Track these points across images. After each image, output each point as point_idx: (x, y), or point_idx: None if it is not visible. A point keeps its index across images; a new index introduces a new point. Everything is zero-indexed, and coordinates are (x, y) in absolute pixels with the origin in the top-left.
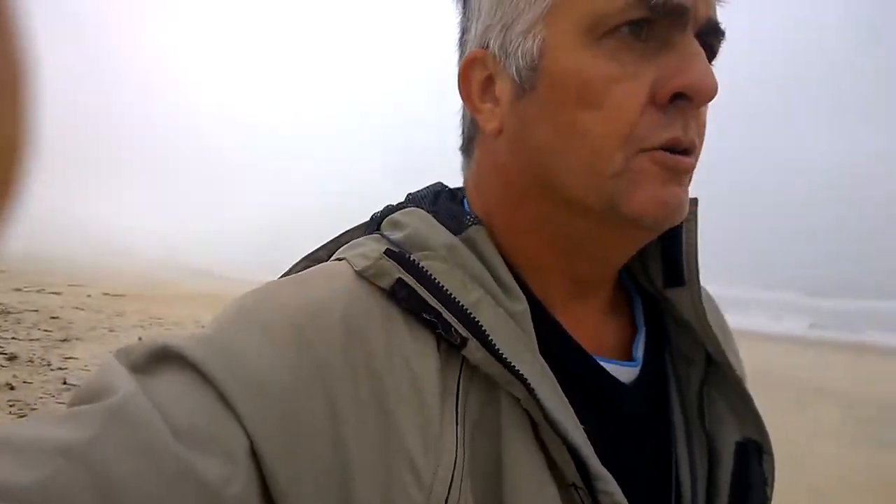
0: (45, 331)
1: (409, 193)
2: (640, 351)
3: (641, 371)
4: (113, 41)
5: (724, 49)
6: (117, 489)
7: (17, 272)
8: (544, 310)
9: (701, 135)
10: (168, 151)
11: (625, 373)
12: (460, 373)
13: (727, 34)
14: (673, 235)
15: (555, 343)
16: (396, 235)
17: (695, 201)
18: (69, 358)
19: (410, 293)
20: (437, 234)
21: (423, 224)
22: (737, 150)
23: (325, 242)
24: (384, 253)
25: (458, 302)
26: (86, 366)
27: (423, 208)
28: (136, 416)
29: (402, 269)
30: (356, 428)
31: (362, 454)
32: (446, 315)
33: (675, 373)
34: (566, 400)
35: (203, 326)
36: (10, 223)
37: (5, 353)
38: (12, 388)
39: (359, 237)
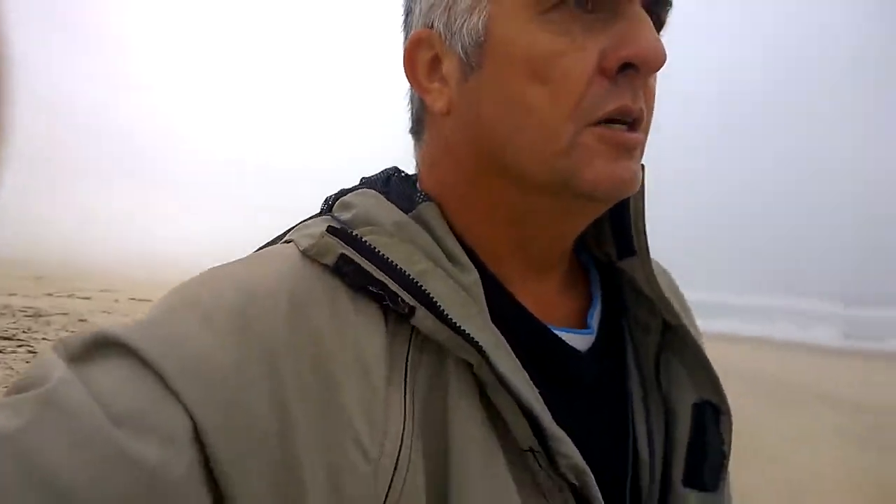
0: (72, 331)
1: (363, 177)
2: (594, 320)
3: (596, 339)
4: (148, 54)
5: (756, 57)
6: (49, 477)
7: (52, 278)
8: (496, 281)
9: (650, 106)
10: (200, 163)
11: (579, 340)
12: (409, 345)
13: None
14: (621, 205)
15: (508, 313)
16: (345, 215)
17: (642, 168)
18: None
19: (356, 268)
20: (386, 211)
21: (372, 203)
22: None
23: (282, 232)
24: (326, 230)
25: (405, 272)
26: None
27: (375, 189)
28: (68, 403)
29: (344, 245)
30: (301, 406)
31: (308, 432)
32: (392, 286)
33: (633, 340)
34: (519, 364)
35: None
36: None
37: (34, 351)
38: None
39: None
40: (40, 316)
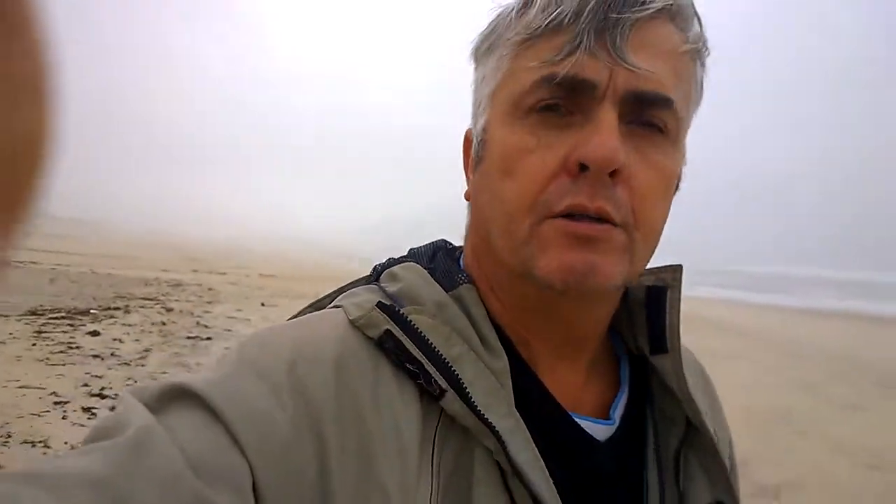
0: (199, 296)
1: (412, 248)
2: (618, 410)
3: (618, 429)
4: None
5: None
6: None
7: (198, 258)
8: (526, 367)
9: (630, 203)
10: (335, 150)
11: (601, 430)
12: (438, 423)
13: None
14: (658, 304)
15: (533, 399)
16: (392, 288)
17: (678, 268)
18: (207, 312)
19: (397, 344)
20: (430, 290)
21: (417, 279)
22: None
23: (330, 291)
24: (376, 305)
25: (441, 355)
26: (216, 316)
27: (421, 264)
28: (156, 450)
29: (390, 321)
30: (340, 474)
31: (344, 490)
32: (428, 366)
33: (656, 432)
34: (537, 453)
35: (206, 366)
36: (30, 215)
37: (167, 307)
38: (164, 325)
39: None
40: (179, 285)
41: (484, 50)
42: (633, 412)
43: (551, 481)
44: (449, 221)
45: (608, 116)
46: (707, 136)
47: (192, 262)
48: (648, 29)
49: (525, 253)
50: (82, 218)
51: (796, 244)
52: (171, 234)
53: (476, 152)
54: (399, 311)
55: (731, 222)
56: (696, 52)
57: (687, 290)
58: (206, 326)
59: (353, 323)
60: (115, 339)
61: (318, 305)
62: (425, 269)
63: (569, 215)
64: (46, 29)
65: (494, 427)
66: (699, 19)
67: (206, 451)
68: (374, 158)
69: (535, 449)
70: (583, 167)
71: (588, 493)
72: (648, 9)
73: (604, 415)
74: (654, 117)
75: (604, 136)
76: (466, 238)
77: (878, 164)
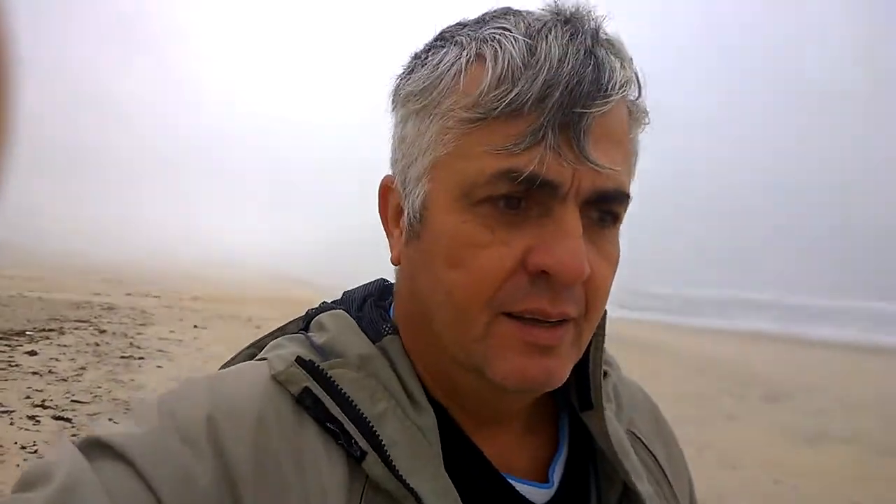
0: (132, 318)
1: (346, 292)
2: (557, 471)
3: (557, 492)
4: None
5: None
6: None
7: (130, 281)
8: (455, 426)
9: (585, 297)
10: (278, 170)
11: (538, 494)
12: (365, 485)
13: None
14: (583, 358)
15: (464, 459)
16: (319, 339)
17: (602, 317)
18: (140, 334)
19: (316, 402)
20: (355, 341)
21: (344, 330)
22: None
23: (273, 329)
24: (296, 360)
25: (363, 414)
26: (149, 337)
27: (350, 311)
28: (86, 497)
29: (310, 378)
30: None
31: None
32: (348, 426)
33: (599, 491)
34: None
35: (125, 413)
36: None
37: (100, 329)
38: (98, 345)
39: (294, 331)
40: (112, 308)
41: (417, 106)
42: (573, 472)
43: None
44: (375, 247)
45: (572, 221)
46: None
47: (124, 286)
48: (607, 118)
49: (478, 352)
50: (11, 241)
51: (724, 267)
52: (102, 257)
53: (409, 222)
54: (318, 367)
55: (666, 245)
56: (641, 123)
57: (613, 311)
58: (138, 347)
59: (274, 378)
60: (52, 358)
61: (258, 345)
62: (354, 317)
63: (525, 317)
64: (7, 33)
65: (417, 492)
66: (641, 86)
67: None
68: (305, 183)
69: None
70: (545, 274)
71: None
72: (610, 101)
73: (541, 477)
74: (610, 212)
75: (572, 242)
76: (396, 300)
77: (789, 188)
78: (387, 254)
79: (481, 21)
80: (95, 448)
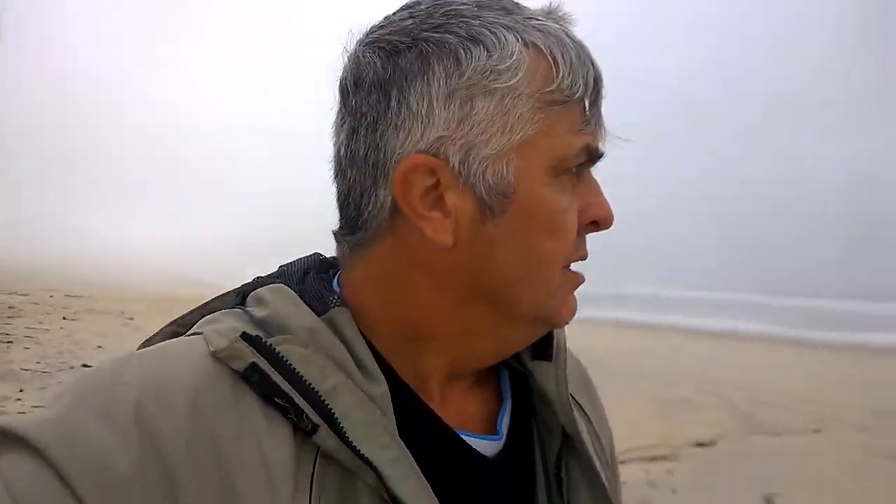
0: None
1: (281, 266)
2: (504, 423)
3: (505, 444)
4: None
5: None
6: None
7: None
8: (406, 388)
9: None
10: (168, 164)
11: (488, 446)
12: (316, 458)
13: None
14: None
15: (417, 421)
16: (259, 313)
17: None
18: (8, 324)
19: (263, 377)
20: (300, 315)
21: (286, 304)
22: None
23: (196, 306)
24: (241, 336)
25: (313, 388)
26: (17, 327)
27: (290, 286)
28: None
29: (256, 354)
30: None
31: None
32: (298, 401)
33: (541, 443)
34: (424, 482)
35: (43, 405)
36: None
37: None
38: None
39: (226, 307)
40: None
41: (497, 85)
42: (518, 424)
43: None
44: (272, 243)
45: (597, 180)
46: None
47: None
48: None
49: (550, 305)
50: None
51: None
52: None
53: (485, 200)
54: (266, 342)
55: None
56: None
57: None
58: (7, 334)
59: (214, 354)
60: None
61: (181, 322)
62: (296, 290)
63: (568, 266)
64: None
65: (371, 461)
66: None
67: (38, 500)
68: (192, 176)
69: (422, 477)
70: (593, 224)
71: None
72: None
73: (490, 429)
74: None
75: (606, 199)
76: (368, 271)
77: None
78: (275, 255)
79: (505, 10)
80: (1, 439)
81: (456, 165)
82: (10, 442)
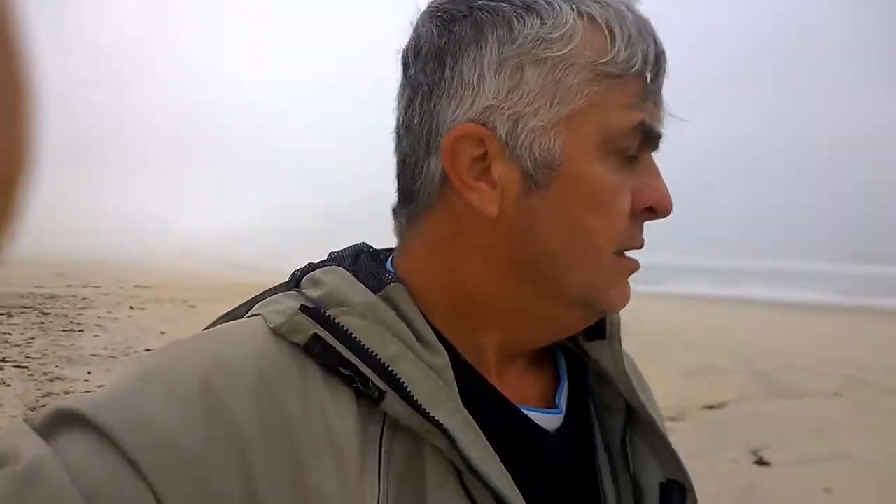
0: (73, 304)
1: (331, 252)
2: (563, 400)
3: (565, 419)
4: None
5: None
6: None
7: (70, 273)
8: (467, 364)
9: None
10: (224, 154)
11: (549, 420)
12: (383, 428)
13: None
14: None
15: (478, 394)
16: (315, 293)
17: None
18: (80, 315)
19: (326, 348)
20: (356, 291)
21: (342, 282)
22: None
23: (245, 301)
24: (299, 309)
25: (376, 356)
26: (88, 317)
27: (343, 267)
28: (47, 481)
29: (317, 325)
30: (270, 492)
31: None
32: (363, 369)
33: (600, 421)
34: (490, 448)
35: (104, 385)
36: (14, 223)
37: (44, 312)
38: (42, 324)
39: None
40: (54, 297)
41: (549, 54)
42: (575, 402)
43: (509, 476)
44: (327, 227)
45: (656, 164)
46: None
47: (64, 278)
48: None
49: (598, 284)
50: None
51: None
52: (40, 251)
53: (531, 172)
54: (325, 313)
55: None
56: None
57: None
58: (78, 324)
59: (274, 331)
60: (4, 333)
61: (232, 315)
62: (350, 270)
63: (622, 252)
64: (24, 46)
65: (442, 424)
66: None
67: (101, 480)
68: (248, 163)
69: (488, 444)
70: (649, 211)
71: (544, 485)
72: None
73: (550, 405)
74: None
75: (665, 185)
76: (424, 241)
77: (727, 156)
78: (324, 244)
79: None
80: (62, 420)
81: (503, 136)
82: (72, 422)
